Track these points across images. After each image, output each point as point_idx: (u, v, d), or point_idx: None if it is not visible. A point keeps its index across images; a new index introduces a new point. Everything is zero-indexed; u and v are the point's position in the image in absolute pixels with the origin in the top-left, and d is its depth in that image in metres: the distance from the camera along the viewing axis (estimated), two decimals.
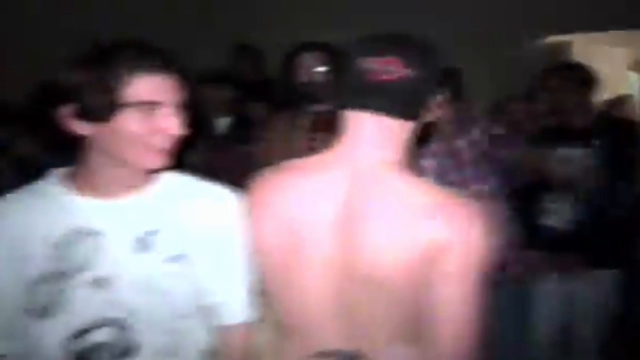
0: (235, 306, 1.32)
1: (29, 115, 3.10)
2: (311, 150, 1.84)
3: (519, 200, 2.82)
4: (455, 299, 1.15)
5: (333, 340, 1.24)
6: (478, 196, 2.35)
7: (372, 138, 1.22)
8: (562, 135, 2.87)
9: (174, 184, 1.32)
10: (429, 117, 1.26)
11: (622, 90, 5.53)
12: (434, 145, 2.43)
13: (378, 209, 1.17)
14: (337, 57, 2.13)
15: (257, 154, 2.42)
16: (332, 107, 1.50)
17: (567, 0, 4.77)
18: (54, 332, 1.18)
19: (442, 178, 2.37)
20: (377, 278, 1.16)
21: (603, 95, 3.94)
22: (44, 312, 1.18)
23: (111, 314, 1.19)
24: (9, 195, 1.27)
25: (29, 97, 2.97)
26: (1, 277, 1.20)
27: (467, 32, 4.72)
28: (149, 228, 1.24)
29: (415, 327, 1.19)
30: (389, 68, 1.17)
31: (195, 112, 1.33)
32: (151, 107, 1.17)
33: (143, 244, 1.23)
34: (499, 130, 2.70)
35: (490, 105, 3.67)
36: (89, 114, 1.15)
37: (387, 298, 1.18)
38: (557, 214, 2.85)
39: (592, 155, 2.79)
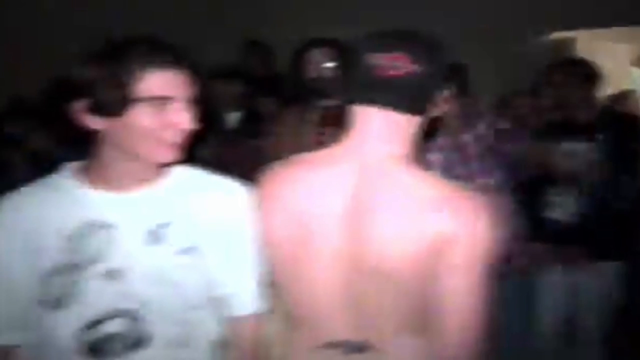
0: (245, 297, 1.33)
1: (43, 110, 3.12)
2: (320, 144, 1.84)
3: (524, 193, 2.84)
4: (461, 290, 1.16)
5: (341, 331, 1.24)
6: (484, 189, 2.36)
7: (379, 132, 1.22)
8: (567, 129, 2.88)
9: (185, 177, 1.32)
10: (435, 111, 1.27)
11: (625, 86, 5.48)
12: (441, 140, 2.44)
13: (385, 202, 1.18)
14: (345, 53, 2.13)
15: (267, 148, 2.43)
16: (341, 102, 1.51)
17: None
18: (67, 323, 1.19)
19: (449, 172, 2.37)
20: (384, 270, 1.17)
21: (606, 90, 3.92)
22: (57, 303, 1.19)
23: (123, 305, 1.20)
24: (23, 189, 1.28)
25: (43, 93, 2.99)
26: (15, 269, 1.21)
27: (473, 29, 4.71)
28: (161, 221, 1.25)
29: (422, 318, 1.20)
30: (396, 64, 1.17)
31: (206, 107, 1.33)
32: (163, 102, 1.17)
33: (155, 236, 1.23)
34: (504, 124, 2.71)
35: (496, 100, 3.67)
36: (101, 109, 1.16)
37: (395, 289, 1.19)
38: (562, 207, 2.86)
39: (596, 149, 2.79)
